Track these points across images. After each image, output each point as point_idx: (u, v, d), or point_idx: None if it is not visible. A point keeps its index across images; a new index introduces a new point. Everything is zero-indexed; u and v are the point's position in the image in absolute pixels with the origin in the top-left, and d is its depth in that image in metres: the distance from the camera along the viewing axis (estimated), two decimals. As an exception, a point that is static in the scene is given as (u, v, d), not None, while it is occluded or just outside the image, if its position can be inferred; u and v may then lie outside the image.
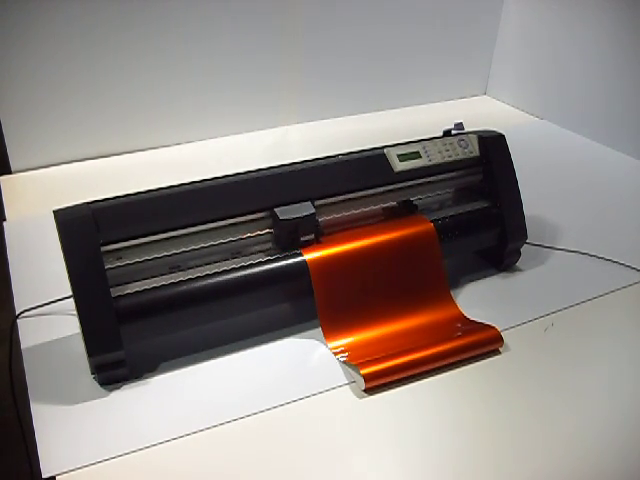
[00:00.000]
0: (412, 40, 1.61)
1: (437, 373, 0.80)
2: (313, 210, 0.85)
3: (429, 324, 0.87)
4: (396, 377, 0.78)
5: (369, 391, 0.77)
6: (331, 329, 0.85)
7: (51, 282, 0.91)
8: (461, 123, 0.99)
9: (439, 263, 0.91)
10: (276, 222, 0.84)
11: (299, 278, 0.83)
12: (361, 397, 0.77)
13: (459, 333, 0.84)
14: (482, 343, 0.83)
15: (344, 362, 0.80)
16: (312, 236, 0.86)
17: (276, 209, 0.84)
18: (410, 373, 0.79)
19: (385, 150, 0.93)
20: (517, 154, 0.98)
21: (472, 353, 0.82)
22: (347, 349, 0.82)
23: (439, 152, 0.95)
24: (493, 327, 0.84)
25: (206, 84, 1.41)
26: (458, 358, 0.81)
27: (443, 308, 0.90)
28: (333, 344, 0.83)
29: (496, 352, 0.83)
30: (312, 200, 0.86)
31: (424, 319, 0.88)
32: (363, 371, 0.76)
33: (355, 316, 0.87)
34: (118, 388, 0.77)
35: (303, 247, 0.85)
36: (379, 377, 0.77)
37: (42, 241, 1.02)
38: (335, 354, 0.82)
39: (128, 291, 0.77)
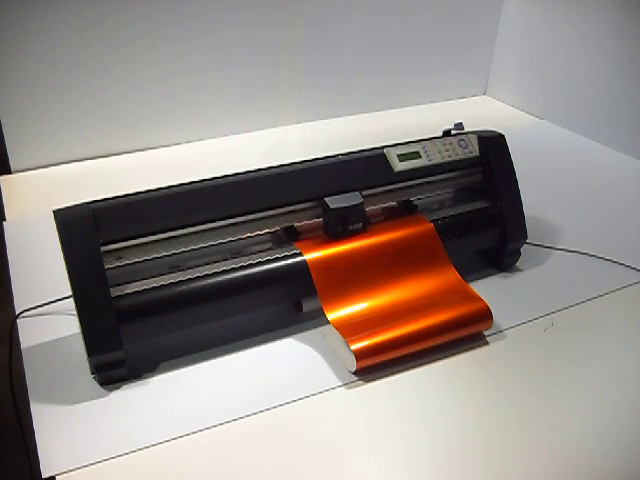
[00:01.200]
0: (412, 40, 1.61)
1: (434, 360, 0.80)
2: (361, 199, 0.87)
3: (426, 291, 0.87)
4: (387, 356, 0.78)
5: (365, 378, 0.77)
6: (332, 303, 0.85)
7: (51, 282, 0.91)
8: (461, 123, 0.99)
9: (444, 259, 0.91)
10: (326, 211, 0.86)
11: (299, 278, 0.83)
12: (361, 397, 0.77)
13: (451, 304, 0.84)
14: (472, 317, 0.83)
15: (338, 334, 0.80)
16: (360, 225, 0.87)
17: (326, 199, 0.86)
18: (400, 352, 0.79)
19: (385, 150, 0.93)
20: (517, 154, 0.98)
21: (464, 330, 0.83)
22: (349, 330, 0.82)
23: (439, 152, 0.95)
24: (483, 301, 0.85)
25: (206, 85, 1.41)
26: (450, 336, 0.82)
27: (446, 277, 0.90)
28: (332, 315, 0.83)
29: (495, 351, 0.84)
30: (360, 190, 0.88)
31: (423, 284, 0.88)
32: (353, 346, 0.77)
33: (356, 311, 0.87)
34: (118, 388, 0.77)
35: (303, 248, 0.85)
36: (370, 355, 0.77)
37: (42, 241, 1.02)
38: (338, 331, 0.81)
39: (128, 291, 0.77)
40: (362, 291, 0.86)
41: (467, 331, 0.84)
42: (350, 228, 0.87)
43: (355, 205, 0.86)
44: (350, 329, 0.81)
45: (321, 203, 0.87)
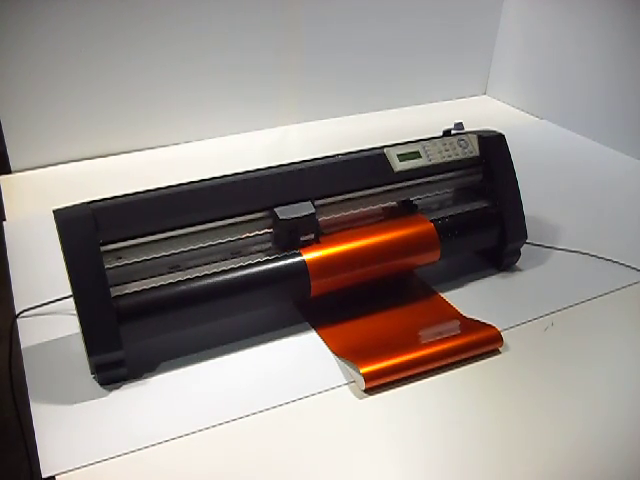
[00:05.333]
0: (412, 40, 1.61)
1: (437, 373, 0.80)
2: (313, 210, 0.85)
3: (427, 323, 0.87)
4: (396, 377, 0.78)
5: (369, 391, 0.77)
6: (328, 328, 0.86)
7: (51, 282, 0.91)
8: (461, 123, 0.99)
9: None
10: (276, 222, 0.84)
11: (298, 278, 0.83)
12: (361, 397, 0.77)
13: (458, 332, 0.83)
14: (482, 342, 0.83)
15: (344, 360, 0.80)
16: (312, 236, 0.86)
17: (276, 209, 0.84)
18: (410, 373, 0.79)
19: (385, 150, 0.93)
20: (517, 154, 0.98)
21: (472, 353, 0.82)
22: (345, 349, 0.82)
23: (439, 152, 0.95)
24: (493, 327, 0.84)
25: (205, 84, 1.41)
26: (458, 358, 0.81)
27: (439, 307, 0.90)
28: (331, 343, 0.83)
29: (496, 352, 0.84)
30: (312, 200, 0.86)
31: (423, 318, 0.88)
32: (363, 370, 0.76)
33: (351, 315, 0.87)
34: (118, 388, 0.77)
35: (302, 247, 0.85)
36: (379, 377, 0.77)
37: (42, 241, 1.02)
38: (334, 353, 0.82)
39: (128, 291, 0.77)
40: (362, 308, 0.88)
41: (477, 352, 0.83)
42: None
43: (307, 215, 0.84)
44: (355, 352, 0.81)
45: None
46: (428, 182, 0.95)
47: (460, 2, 1.63)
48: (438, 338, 0.82)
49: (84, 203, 0.77)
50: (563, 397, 0.78)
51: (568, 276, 1.00)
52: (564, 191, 1.27)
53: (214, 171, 0.89)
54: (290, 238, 0.85)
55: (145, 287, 0.78)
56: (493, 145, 0.97)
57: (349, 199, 0.90)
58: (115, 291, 0.76)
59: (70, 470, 0.66)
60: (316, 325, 0.87)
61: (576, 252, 1.05)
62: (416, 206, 0.95)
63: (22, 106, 1.25)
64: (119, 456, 0.68)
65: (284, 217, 0.83)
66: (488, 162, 0.97)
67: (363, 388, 0.76)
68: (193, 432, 0.71)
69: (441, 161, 0.95)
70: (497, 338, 0.83)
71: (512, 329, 0.87)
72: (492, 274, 1.00)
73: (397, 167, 0.92)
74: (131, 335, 0.76)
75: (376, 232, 0.89)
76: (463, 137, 0.97)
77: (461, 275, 0.98)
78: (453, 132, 0.98)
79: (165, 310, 0.78)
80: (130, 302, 0.76)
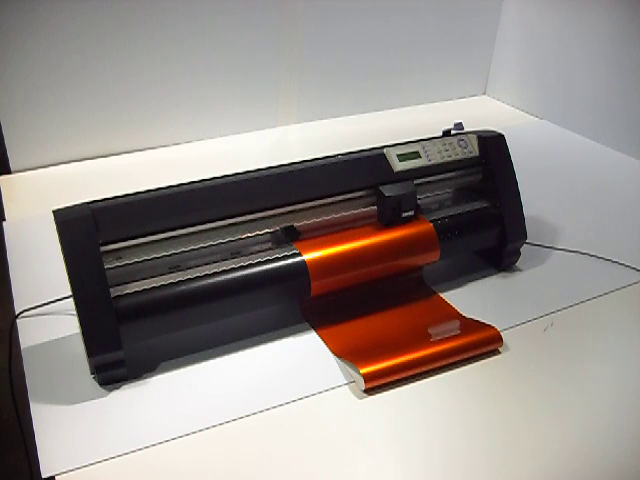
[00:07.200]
0: (411, 40, 1.61)
1: (437, 373, 0.80)
2: (414, 188, 0.90)
3: (427, 323, 0.87)
4: (396, 377, 0.78)
5: (369, 391, 0.77)
6: (328, 329, 0.86)
7: (51, 282, 0.91)
8: (461, 123, 0.99)
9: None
10: (381, 199, 0.89)
11: (298, 278, 0.83)
12: (361, 397, 0.77)
13: (458, 332, 0.84)
14: (482, 343, 0.83)
15: (344, 360, 0.80)
16: (412, 212, 0.90)
17: (381, 187, 0.89)
18: (410, 373, 0.79)
19: (385, 150, 0.93)
20: (517, 154, 0.98)
21: (472, 353, 0.82)
22: (345, 349, 0.82)
23: (439, 152, 0.95)
24: (493, 327, 0.84)
25: (206, 85, 1.41)
26: (458, 358, 0.81)
27: (439, 307, 0.90)
28: (331, 343, 0.83)
29: (496, 352, 0.84)
30: (412, 179, 0.91)
31: (422, 318, 0.88)
32: (363, 370, 0.76)
33: (351, 316, 0.87)
34: (118, 388, 0.77)
35: (302, 248, 0.85)
36: (379, 377, 0.77)
37: (42, 241, 1.02)
38: (334, 354, 0.82)
39: (128, 291, 0.77)
40: (362, 308, 0.88)
41: (477, 353, 0.83)
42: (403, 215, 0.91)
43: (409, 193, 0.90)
44: (355, 353, 0.81)
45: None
46: (428, 182, 0.95)
47: (460, 2, 1.63)
48: (438, 338, 0.82)
49: (84, 203, 0.77)
50: (563, 397, 0.78)
51: (568, 276, 1.00)
52: (564, 191, 1.27)
53: (215, 171, 0.89)
54: (394, 214, 0.90)
55: (145, 287, 0.78)
56: (493, 145, 0.97)
57: (348, 199, 0.90)
58: (115, 291, 0.76)
59: (70, 470, 0.66)
60: (316, 325, 0.87)
61: (576, 252, 1.05)
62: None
63: (22, 106, 1.25)
64: (119, 456, 0.68)
65: (390, 194, 0.88)
66: (488, 162, 0.97)
67: (363, 388, 0.77)
68: (193, 432, 0.71)
69: (441, 161, 0.95)
70: (497, 338, 0.83)
71: (512, 329, 0.87)
72: (492, 274, 1.00)
73: (397, 167, 0.92)
74: (131, 335, 0.76)
75: (376, 232, 0.89)
76: (463, 137, 0.97)
77: (461, 275, 0.98)
78: (453, 132, 0.98)
79: (165, 310, 0.78)
80: (130, 302, 0.76)
